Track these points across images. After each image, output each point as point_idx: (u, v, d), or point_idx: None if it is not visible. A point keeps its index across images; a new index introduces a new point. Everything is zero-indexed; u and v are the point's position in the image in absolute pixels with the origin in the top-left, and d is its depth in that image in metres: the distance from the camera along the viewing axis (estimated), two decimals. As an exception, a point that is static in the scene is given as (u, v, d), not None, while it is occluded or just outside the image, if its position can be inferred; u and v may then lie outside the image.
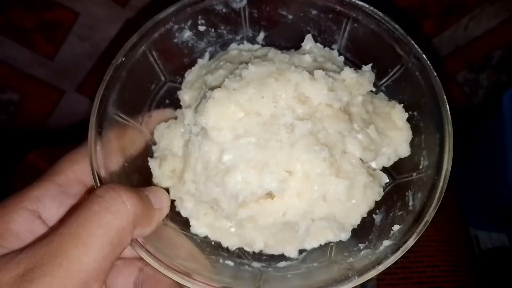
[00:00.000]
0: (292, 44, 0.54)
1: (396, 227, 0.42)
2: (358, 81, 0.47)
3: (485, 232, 1.22)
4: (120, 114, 0.46)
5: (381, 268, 0.39)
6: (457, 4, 0.96)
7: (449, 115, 0.44)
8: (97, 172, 0.42)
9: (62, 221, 0.34)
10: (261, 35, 0.55)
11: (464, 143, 1.19)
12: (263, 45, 0.55)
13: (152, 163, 0.48)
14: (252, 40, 0.55)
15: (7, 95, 0.98)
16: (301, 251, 0.48)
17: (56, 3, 0.83)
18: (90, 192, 0.43)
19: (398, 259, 0.40)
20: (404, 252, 0.39)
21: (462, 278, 0.95)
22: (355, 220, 0.45)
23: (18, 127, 1.04)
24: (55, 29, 0.88)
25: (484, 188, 1.13)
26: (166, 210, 0.42)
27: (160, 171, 0.48)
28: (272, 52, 0.49)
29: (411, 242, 0.40)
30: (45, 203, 0.40)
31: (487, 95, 1.16)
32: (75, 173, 0.43)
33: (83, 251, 0.32)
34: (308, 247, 0.47)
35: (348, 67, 0.48)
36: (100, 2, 0.85)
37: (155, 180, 0.48)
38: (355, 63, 0.53)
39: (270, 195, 0.43)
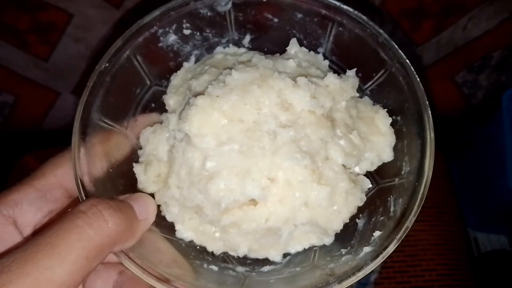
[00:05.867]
0: (278, 47, 0.54)
1: (377, 233, 0.43)
2: (342, 87, 0.47)
3: (484, 233, 1.22)
4: (105, 120, 0.46)
5: (361, 274, 0.39)
6: (456, 4, 0.96)
7: (431, 121, 0.44)
8: (80, 179, 0.42)
9: (41, 231, 0.33)
10: (247, 38, 0.55)
11: (462, 144, 1.19)
12: (249, 48, 0.55)
13: (137, 169, 0.48)
14: (238, 43, 0.55)
15: (2, 97, 0.98)
16: (285, 255, 0.48)
17: (49, 5, 0.83)
18: (73, 203, 0.43)
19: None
20: (384, 258, 0.40)
21: (460, 282, 0.95)
22: (337, 226, 0.45)
23: (13, 129, 1.04)
24: (49, 31, 0.88)
25: (483, 189, 1.13)
26: (152, 218, 0.42)
27: (145, 176, 0.48)
28: (256, 58, 0.49)
29: (391, 249, 0.40)
30: (22, 207, 0.40)
31: (486, 95, 1.15)
32: (57, 177, 0.43)
33: (58, 261, 0.31)
34: (292, 250, 0.47)
35: (331, 73, 0.48)
36: (93, 4, 0.85)
37: (140, 185, 0.48)
38: (340, 67, 0.53)
39: (253, 201, 0.43)
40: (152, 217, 0.42)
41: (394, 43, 0.47)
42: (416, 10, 0.95)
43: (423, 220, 0.99)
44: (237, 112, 0.44)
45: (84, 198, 0.41)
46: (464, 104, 1.16)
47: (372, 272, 0.87)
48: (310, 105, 0.44)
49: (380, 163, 0.48)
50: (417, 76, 0.46)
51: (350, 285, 0.40)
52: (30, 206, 0.41)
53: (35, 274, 0.30)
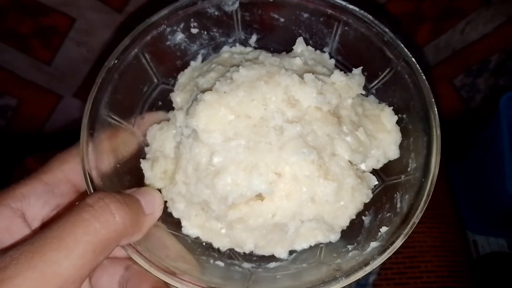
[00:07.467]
0: (284, 46, 0.55)
1: (383, 229, 0.43)
2: (348, 84, 0.47)
3: (483, 236, 1.22)
4: (113, 116, 0.47)
5: (368, 269, 0.39)
6: (453, 9, 0.97)
7: (437, 118, 0.44)
8: (88, 173, 0.42)
9: (48, 225, 0.34)
10: (254, 37, 0.55)
11: (461, 147, 1.19)
12: (255, 48, 0.55)
13: (144, 165, 0.48)
14: (245, 43, 0.55)
15: (4, 100, 0.98)
16: (291, 252, 0.48)
17: (52, 9, 0.84)
18: (81, 196, 0.43)
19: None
20: (391, 253, 0.40)
21: (459, 283, 0.95)
22: (344, 222, 0.45)
23: (16, 132, 1.05)
24: (51, 35, 0.89)
25: (482, 192, 1.14)
26: (158, 213, 0.42)
27: (152, 172, 0.48)
28: (263, 55, 0.49)
29: (398, 244, 0.40)
30: (30, 201, 0.40)
31: (484, 99, 1.16)
32: (64, 172, 0.43)
33: (64, 255, 0.31)
34: (298, 248, 0.48)
35: (338, 70, 0.48)
36: (96, 8, 0.85)
37: (147, 181, 0.48)
38: (346, 66, 0.53)
39: (260, 196, 0.43)
40: (158, 212, 0.42)
41: (399, 42, 0.48)
42: (414, 13, 0.96)
43: (421, 221, 0.98)
44: (244, 108, 0.44)
45: (92, 192, 0.41)
46: (463, 107, 1.17)
47: (370, 273, 0.86)
48: (316, 101, 0.45)
49: (386, 161, 0.48)
50: (422, 74, 0.46)
51: (348, 285, 0.40)
52: (37, 199, 0.41)
53: (42, 267, 0.30)
